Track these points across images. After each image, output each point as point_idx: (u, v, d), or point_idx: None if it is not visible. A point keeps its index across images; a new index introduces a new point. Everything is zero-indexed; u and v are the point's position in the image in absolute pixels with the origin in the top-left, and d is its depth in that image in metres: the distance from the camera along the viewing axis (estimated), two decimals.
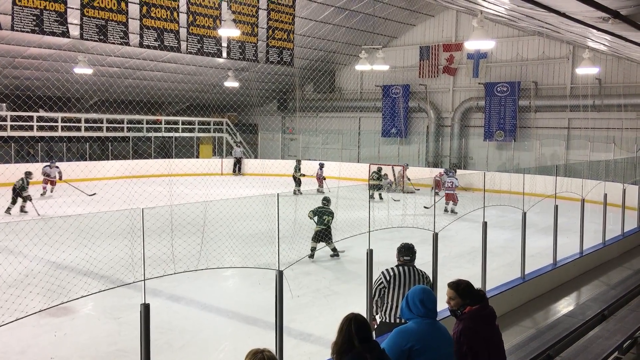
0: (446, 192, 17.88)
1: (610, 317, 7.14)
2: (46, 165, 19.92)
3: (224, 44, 18.99)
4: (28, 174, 16.49)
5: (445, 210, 17.28)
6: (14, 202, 15.97)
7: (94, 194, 18.13)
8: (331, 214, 11.57)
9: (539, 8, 6.82)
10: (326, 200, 11.96)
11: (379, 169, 22.70)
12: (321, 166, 22.79)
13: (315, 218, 11.59)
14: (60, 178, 19.73)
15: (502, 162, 25.98)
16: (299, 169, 22.60)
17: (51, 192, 19.63)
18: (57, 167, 19.97)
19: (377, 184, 21.19)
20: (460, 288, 4.05)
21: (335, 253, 11.59)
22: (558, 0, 6.07)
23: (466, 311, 3.99)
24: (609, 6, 5.91)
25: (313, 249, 11.45)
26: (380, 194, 20.85)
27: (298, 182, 22.15)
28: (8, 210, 15.89)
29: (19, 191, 15.97)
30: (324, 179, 22.24)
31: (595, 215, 11.34)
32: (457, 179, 18.04)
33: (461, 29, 26.99)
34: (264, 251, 9.77)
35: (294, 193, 21.17)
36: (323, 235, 11.27)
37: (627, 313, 7.02)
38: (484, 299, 4.08)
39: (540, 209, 9.38)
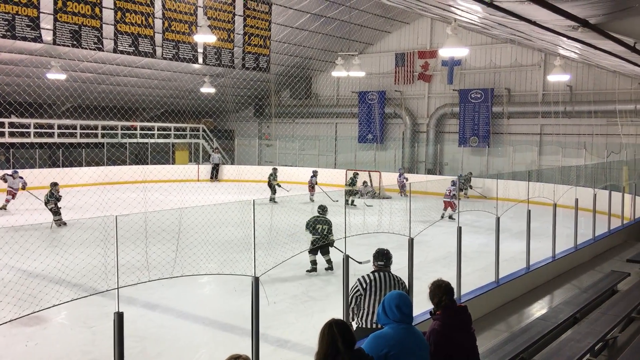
0: (444, 199, 17.65)
1: (582, 320, 7.27)
2: (7, 175, 18.18)
3: (200, 50, 18.93)
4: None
5: (442, 217, 17.03)
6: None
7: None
8: (327, 222, 10.96)
9: (511, 16, 6.95)
10: (321, 209, 11.35)
11: (355, 175, 22.77)
12: (314, 174, 22.19)
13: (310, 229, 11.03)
14: (24, 188, 18.13)
15: (477, 168, 26.30)
16: (275, 177, 22.00)
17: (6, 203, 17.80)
18: (21, 177, 18.29)
19: (352, 190, 21.20)
20: (433, 287, 4.20)
21: (329, 266, 10.93)
22: (529, 9, 6.19)
23: (439, 312, 4.09)
24: (578, 15, 6.06)
25: (312, 262, 10.93)
26: (352, 200, 20.54)
27: (273, 190, 21.59)
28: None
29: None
30: (313, 186, 21.76)
31: (567, 220, 11.56)
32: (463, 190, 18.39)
33: (436, 37, 27.32)
34: (240, 258, 9.72)
35: (270, 200, 20.80)
36: (320, 245, 10.69)
37: (599, 316, 7.15)
38: (442, 302, 4.14)
39: (514, 213, 9.53)
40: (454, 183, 18.86)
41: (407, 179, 22.29)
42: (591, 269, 10.63)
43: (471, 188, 21.24)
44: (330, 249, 10.69)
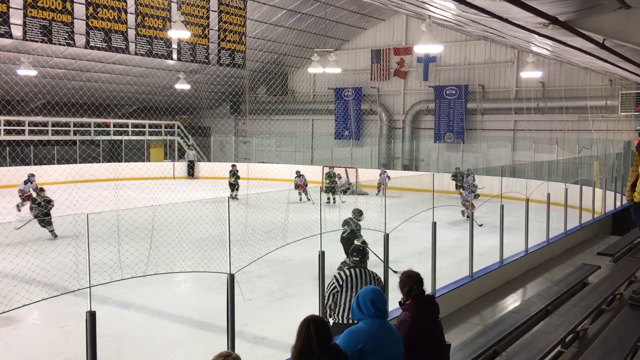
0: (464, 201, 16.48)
1: (553, 313, 7.40)
2: (27, 181, 16.86)
3: (174, 46, 18.73)
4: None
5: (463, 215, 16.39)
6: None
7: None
8: (351, 225, 10.27)
9: (483, 14, 7.01)
10: (355, 213, 10.59)
11: (331, 169, 22.69)
12: (298, 174, 21.47)
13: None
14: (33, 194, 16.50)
15: (452, 163, 26.55)
16: (236, 174, 21.61)
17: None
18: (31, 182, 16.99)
19: (330, 186, 21.15)
20: (403, 276, 4.26)
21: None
22: (499, 6, 6.25)
23: (408, 302, 4.13)
24: (548, 12, 6.13)
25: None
26: (334, 199, 20.47)
27: (232, 187, 21.26)
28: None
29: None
30: (306, 185, 21.07)
31: (539, 214, 11.74)
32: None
33: (411, 33, 27.47)
34: (215, 255, 9.66)
35: (233, 197, 20.36)
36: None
37: (570, 308, 7.28)
38: (420, 297, 4.18)
39: (487, 208, 9.66)
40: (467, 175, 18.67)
41: (389, 178, 21.87)
42: (563, 262, 10.82)
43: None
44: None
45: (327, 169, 23.37)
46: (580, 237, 12.79)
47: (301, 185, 21.09)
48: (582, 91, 23.30)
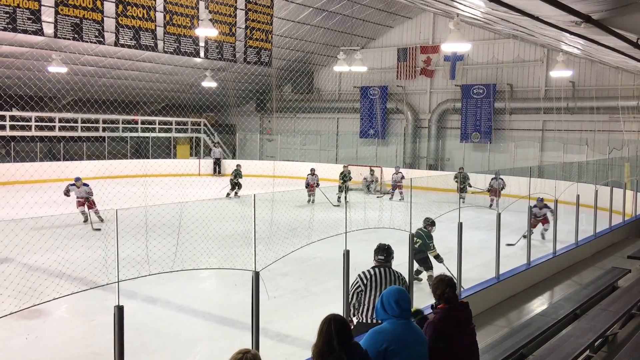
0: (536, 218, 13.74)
1: (582, 316, 7.27)
2: (71, 185, 15.29)
3: (202, 44, 18.88)
4: None
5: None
6: None
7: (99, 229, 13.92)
8: (421, 236, 9.43)
9: (513, 12, 6.91)
10: (426, 222, 9.79)
11: (345, 167, 22.21)
12: (312, 172, 20.47)
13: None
14: (89, 200, 15.12)
15: (479, 163, 26.27)
16: (240, 174, 21.05)
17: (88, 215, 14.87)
18: (85, 184, 15.27)
19: (345, 185, 20.54)
20: (436, 280, 4.25)
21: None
22: (531, 4, 6.16)
23: (440, 307, 4.10)
24: (581, 10, 6.02)
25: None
26: (339, 197, 19.89)
27: (233, 186, 20.71)
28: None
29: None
30: (317, 185, 20.00)
31: (568, 216, 11.54)
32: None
33: (438, 32, 27.22)
34: (240, 252, 9.73)
35: (234, 196, 20.20)
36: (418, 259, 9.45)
37: (599, 312, 7.15)
38: (451, 301, 4.15)
39: (515, 210, 9.52)
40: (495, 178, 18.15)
41: (403, 177, 21.18)
42: (592, 265, 10.61)
43: (470, 186, 20.48)
44: (437, 264, 9.55)
45: (346, 168, 22.77)
46: (610, 239, 12.54)
47: (312, 185, 20.00)
48: (614, 91, 22.82)
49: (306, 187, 20.08)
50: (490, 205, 17.58)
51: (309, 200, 19.93)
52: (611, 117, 22.74)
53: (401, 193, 20.96)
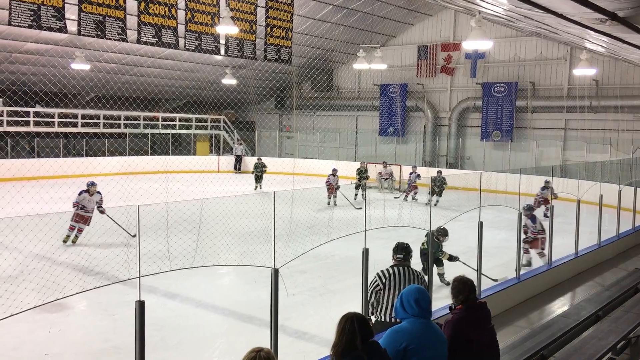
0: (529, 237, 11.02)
1: (604, 318, 7.16)
2: (83, 191, 12.67)
3: (222, 41, 18.96)
4: None
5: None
6: None
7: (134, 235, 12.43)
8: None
9: (537, 9, 6.82)
10: (439, 232, 9.26)
11: (361, 164, 22.24)
12: (334, 172, 19.56)
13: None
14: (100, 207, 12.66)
15: (499, 162, 26.02)
16: (260, 167, 22.76)
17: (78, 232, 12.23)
18: (98, 192, 12.80)
19: (358, 183, 20.49)
20: (458, 283, 4.19)
21: (441, 280, 9.63)
22: (555, 1, 6.07)
23: (458, 308, 4.07)
24: (606, 8, 5.92)
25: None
26: (356, 195, 19.76)
27: (257, 179, 22.49)
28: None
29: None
30: (337, 187, 19.09)
31: (590, 216, 11.37)
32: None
33: (459, 29, 27.00)
34: (259, 249, 9.75)
35: (255, 189, 21.54)
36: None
37: (622, 314, 7.04)
38: (468, 300, 4.11)
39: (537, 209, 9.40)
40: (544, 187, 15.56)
41: (419, 177, 20.32)
42: (615, 266, 10.45)
43: (442, 189, 18.83)
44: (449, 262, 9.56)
45: (363, 164, 22.66)
46: (634, 241, 12.33)
47: (332, 186, 19.10)
48: (638, 90, 22.45)
49: (327, 188, 19.43)
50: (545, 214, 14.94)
51: (329, 202, 19.30)
52: (635, 116, 22.36)
53: (416, 193, 20.32)
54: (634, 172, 17.35)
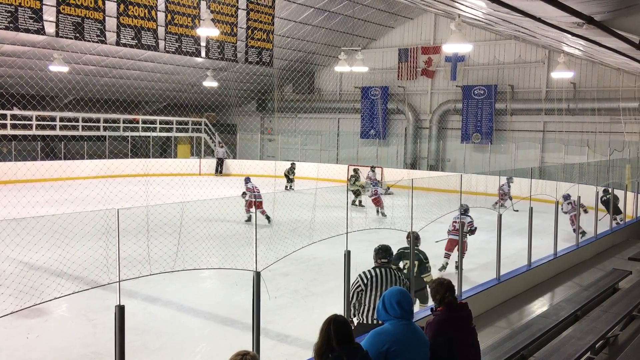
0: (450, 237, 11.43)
1: (583, 318, 7.26)
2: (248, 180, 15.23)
3: (203, 44, 18.89)
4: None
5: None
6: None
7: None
8: (417, 256, 7.29)
9: (515, 12, 6.91)
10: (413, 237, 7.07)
11: (355, 171, 22.34)
12: (372, 168, 20.59)
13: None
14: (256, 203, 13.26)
15: (480, 164, 26.26)
16: (293, 171, 23.49)
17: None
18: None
19: (355, 189, 19.76)
20: (435, 284, 4.24)
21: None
22: (533, 5, 6.16)
23: (439, 309, 4.10)
24: (583, 12, 6.02)
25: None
26: (360, 201, 19.20)
27: (288, 179, 23.20)
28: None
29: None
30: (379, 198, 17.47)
31: (569, 217, 11.53)
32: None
33: (439, 32, 27.21)
34: (241, 252, 9.73)
35: (288, 189, 22.39)
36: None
37: (600, 314, 7.14)
38: (445, 299, 4.15)
39: (515, 210, 9.50)
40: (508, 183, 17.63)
41: (378, 183, 19.12)
42: (592, 266, 10.60)
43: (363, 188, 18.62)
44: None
45: (351, 170, 22.81)
46: (611, 241, 12.53)
47: (375, 193, 17.39)
48: (615, 92, 22.81)
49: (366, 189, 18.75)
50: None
51: (356, 202, 19.02)
52: (612, 118, 22.72)
53: (382, 207, 17.43)
54: (611, 173, 17.63)
